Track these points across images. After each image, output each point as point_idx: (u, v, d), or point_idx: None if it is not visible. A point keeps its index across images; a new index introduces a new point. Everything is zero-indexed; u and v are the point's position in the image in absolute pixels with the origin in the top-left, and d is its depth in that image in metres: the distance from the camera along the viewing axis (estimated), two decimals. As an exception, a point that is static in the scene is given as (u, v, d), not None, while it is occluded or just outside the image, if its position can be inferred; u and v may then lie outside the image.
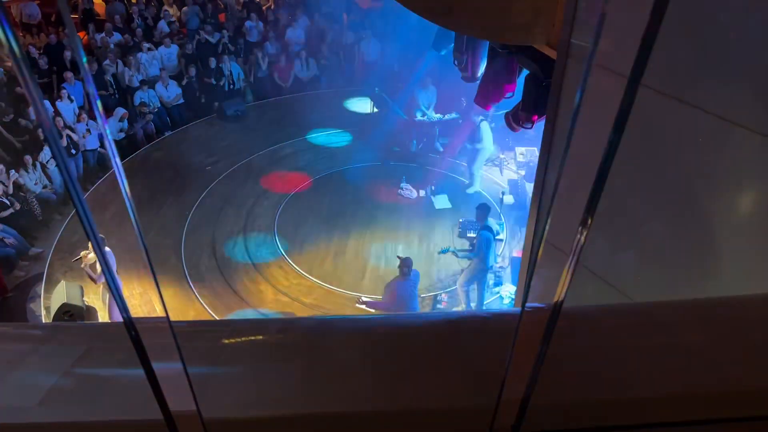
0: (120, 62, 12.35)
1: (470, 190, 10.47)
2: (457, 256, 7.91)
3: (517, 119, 5.09)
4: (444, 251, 8.04)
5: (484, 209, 7.83)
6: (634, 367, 1.28)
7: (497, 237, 8.20)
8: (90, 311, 7.85)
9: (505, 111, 5.33)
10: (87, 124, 10.68)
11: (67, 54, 12.03)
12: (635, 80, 0.74)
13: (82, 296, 7.91)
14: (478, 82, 5.92)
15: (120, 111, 11.36)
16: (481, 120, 10.18)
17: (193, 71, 12.84)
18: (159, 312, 1.07)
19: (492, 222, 7.97)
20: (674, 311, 1.54)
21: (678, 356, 1.31)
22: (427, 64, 12.69)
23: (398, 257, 7.25)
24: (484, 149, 10.31)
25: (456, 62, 6.06)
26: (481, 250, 7.58)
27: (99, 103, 0.86)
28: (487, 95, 5.69)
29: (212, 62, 12.91)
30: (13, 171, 9.28)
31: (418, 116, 11.63)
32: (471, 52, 5.80)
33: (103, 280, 7.49)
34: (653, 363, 1.29)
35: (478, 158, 10.37)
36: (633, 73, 0.74)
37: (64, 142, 10.07)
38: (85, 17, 13.95)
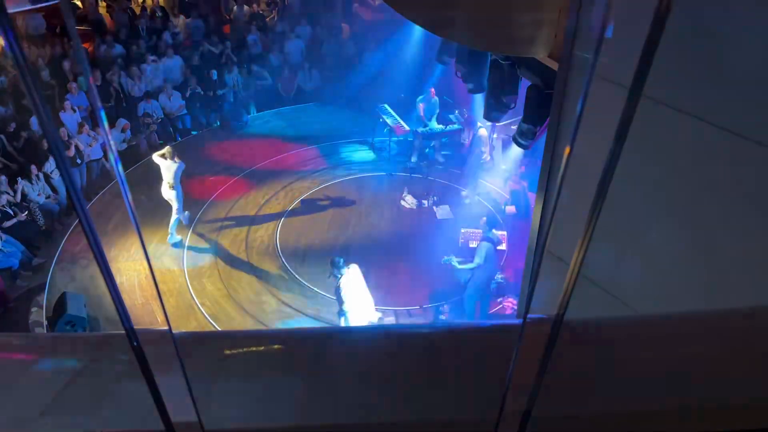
0: (124, 73, 12.42)
1: (468, 200, 10.48)
2: (456, 266, 7.85)
3: (523, 135, 5.08)
4: (445, 261, 7.98)
5: (490, 222, 7.81)
6: (637, 379, 1.27)
7: (498, 247, 8.18)
8: (92, 322, 7.84)
9: (509, 121, 5.33)
10: (90, 134, 10.72)
11: (66, 64, 12.11)
12: (636, 91, 0.74)
13: (85, 306, 7.91)
14: (482, 93, 5.93)
15: (122, 122, 11.42)
16: (480, 127, 10.23)
17: (196, 82, 12.91)
18: (161, 322, 1.07)
19: (494, 233, 7.95)
20: (678, 323, 1.54)
21: (681, 368, 1.30)
22: (430, 76, 12.75)
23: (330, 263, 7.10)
24: (481, 156, 10.36)
25: (459, 74, 6.08)
26: (482, 260, 7.55)
27: (103, 114, 0.86)
28: (492, 108, 5.70)
29: (214, 74, 12.98)
30: (20, 179, 9.31)
31: (421, 127, 11.66)
32: (473, 64, 5.82)
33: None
34: (656, 375, 1.28)
35: (475, 165, 10.41)
36: (634, 84, 0.74)
37: (72, 152, 10.13)
38: (94, 28, 14.05)
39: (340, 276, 6.92)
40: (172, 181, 9.29)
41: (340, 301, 6.85)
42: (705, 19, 2.51)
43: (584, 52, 2.89)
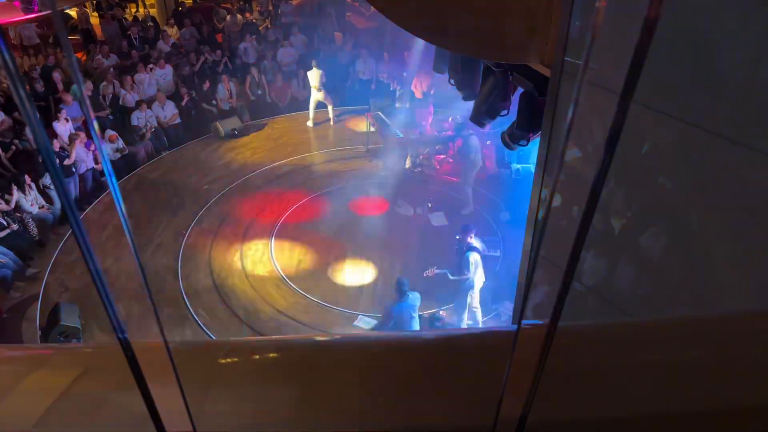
0: (117, 83, 12.40)
1: (465, 212, 10.38)
2: (449, 276, 7.76)
3: (513, 137, 5.11)
4: (441, 272, 7.83)
5: (465, 229, 7.67)
6: (632, 383, 1.28)
7: (490, 254, 8.14)
8: (86, 332, 7.79)
9: (502, 130, 5.33)
10: (85, 145, 10.69)
11: (57, 75, 12.08)
12: (627, 97, 0.75)
13: (78, 317, 7.85)
14: (474, 100, 5.93)
15: (108, 132, 11.35)
16: (470, 134, 10.20)
17: (188, 91, 12.90)
18: (155, 332, 1.06)
19: (475, 241, 7.76)
20: (672, 327, 1.54)
21: (676, 373, 1.30)
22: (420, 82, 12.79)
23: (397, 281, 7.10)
24: (473, 164, 10.32)
25: (452, 81, 6.10)
26: (471, 270, 7.50)
27: (96, 124, 0.86)
28: (482, 113, 5.71)
29: (208, 82, 12.98)
30: (15, 189, 9.25)
31: (414, 134, 11.67)
32: (466, 71, 5.84)
33: None
34: (651, 379, 1.28)
35: (467, 173, 10.37)
36: (624, 90, 0.75)
37: (71, 160, 10.11)
38: (85, 38, 14.04)
39: (405, 299, 6.87)
40: (317, 84, 12.86)
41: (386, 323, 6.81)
42: (696, 25, 2.53)
43: (576, 59, 2.91)
